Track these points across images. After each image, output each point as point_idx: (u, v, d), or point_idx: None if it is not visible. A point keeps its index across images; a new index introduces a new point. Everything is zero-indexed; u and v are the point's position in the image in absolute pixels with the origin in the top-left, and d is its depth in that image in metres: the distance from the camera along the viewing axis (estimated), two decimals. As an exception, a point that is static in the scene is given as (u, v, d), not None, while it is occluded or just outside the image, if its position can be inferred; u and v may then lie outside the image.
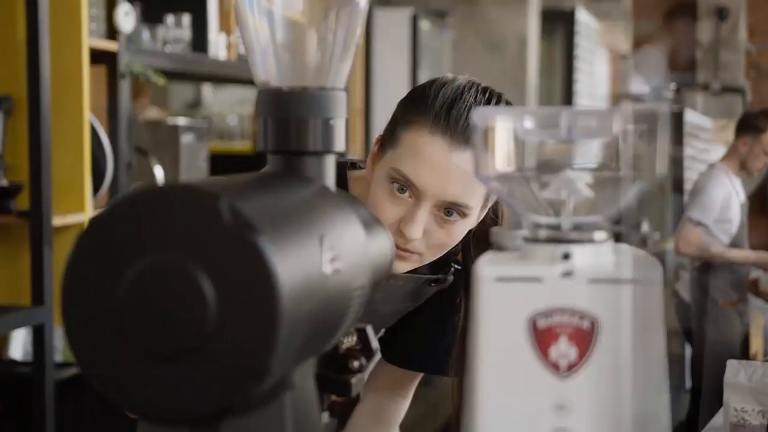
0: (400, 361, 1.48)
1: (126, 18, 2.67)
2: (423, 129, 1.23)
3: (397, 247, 1.24)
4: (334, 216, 0.70)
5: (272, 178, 0.72)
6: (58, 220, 2.43)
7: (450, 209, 1.24)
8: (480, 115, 0.68)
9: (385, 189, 1.25)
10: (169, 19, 3.11)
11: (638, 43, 8.68)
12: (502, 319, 0.66)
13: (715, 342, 4.39)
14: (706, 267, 4.54)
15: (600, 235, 0.68)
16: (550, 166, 0.69)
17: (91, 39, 2.57)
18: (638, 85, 6.03)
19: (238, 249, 0.58)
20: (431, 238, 1.25)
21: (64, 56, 2.47)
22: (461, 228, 1.26)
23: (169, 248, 0.58)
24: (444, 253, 1.30)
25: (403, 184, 1.23)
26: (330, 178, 0.77)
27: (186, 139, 3.15)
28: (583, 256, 0.66)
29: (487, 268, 0.66)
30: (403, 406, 1.52)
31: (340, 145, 0.77)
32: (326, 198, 0.73)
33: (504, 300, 0.66)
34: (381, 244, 0.82)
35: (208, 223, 0.58)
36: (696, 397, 4.50)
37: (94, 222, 0.60)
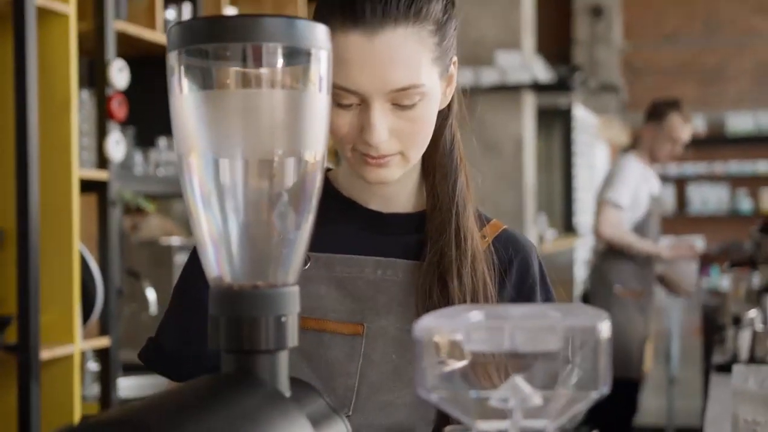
0: None
1: (117, 147, 2.69)
2: (334, 33, 1.10)
3: (372, 157, 1.18)
4: (281, 427, 0.69)
5: (218, 388, 0.71)
6: (46, 353, 2.41)
7: (402, 101, 1.16)
8: (422, 327, 0.67)
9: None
10: (162, 142, 3.15)
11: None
12: None
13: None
14: (608, 254, 4.47)
15: (549, 444, 0.66)
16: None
17: (81, 170, 2.59)
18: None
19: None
20: (400, 133, 1.18)
21: (54, 188, 2.49)
22: (426, 110, 1.19)
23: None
24: (425, 144, 1.22)
25: (342, 96, 1.15)
26: (283, 376, 0.76)
27: (180, 259, 3.15)
28: (531, 469, 0.65)
29: (432, 484, 0.65)
30: None
31: (293, 340, 0.76)
32: (274, 405, 0.72)
33: None
34: (336, 439, 0.80)
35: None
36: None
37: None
